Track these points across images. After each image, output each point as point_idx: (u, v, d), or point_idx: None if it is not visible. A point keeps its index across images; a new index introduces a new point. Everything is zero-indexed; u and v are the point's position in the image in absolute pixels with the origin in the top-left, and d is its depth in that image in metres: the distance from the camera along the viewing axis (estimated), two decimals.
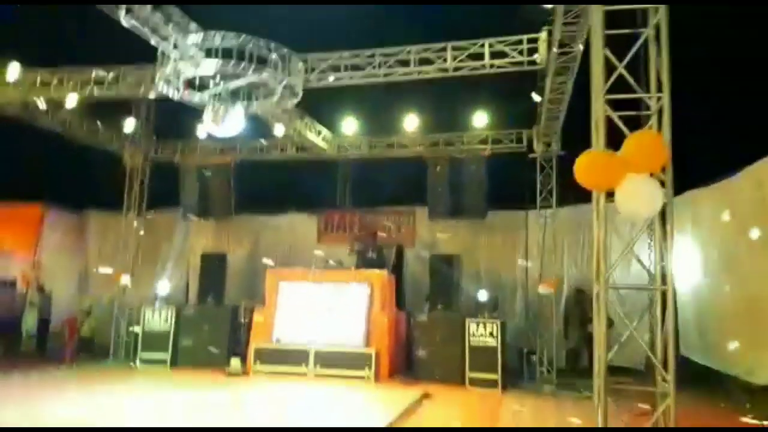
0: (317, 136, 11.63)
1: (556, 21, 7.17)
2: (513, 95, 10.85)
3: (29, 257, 14.88)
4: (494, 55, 8.00)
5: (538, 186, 11.55)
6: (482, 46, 8.03)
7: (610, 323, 13.77)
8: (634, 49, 3.54)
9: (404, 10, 9.64)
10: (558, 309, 12.15)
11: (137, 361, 12.08)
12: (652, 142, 3.29)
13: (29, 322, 14.08)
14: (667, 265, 3.57)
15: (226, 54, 7.78)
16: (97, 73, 9.29)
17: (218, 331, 12.32)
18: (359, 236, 13.44)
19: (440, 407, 8.98)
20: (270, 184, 14.80)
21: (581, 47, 7.41)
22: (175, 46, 7.68)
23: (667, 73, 3.50)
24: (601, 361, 3.83)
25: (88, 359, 12.52)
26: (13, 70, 9.60)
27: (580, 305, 13.34)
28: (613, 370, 13.43)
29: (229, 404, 8.85)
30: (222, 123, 8.44)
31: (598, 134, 3.57)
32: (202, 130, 8.67)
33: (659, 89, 3.56)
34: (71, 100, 10.40)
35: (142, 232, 13.07)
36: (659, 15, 3.59)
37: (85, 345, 12.91)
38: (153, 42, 7.22)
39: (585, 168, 3.46)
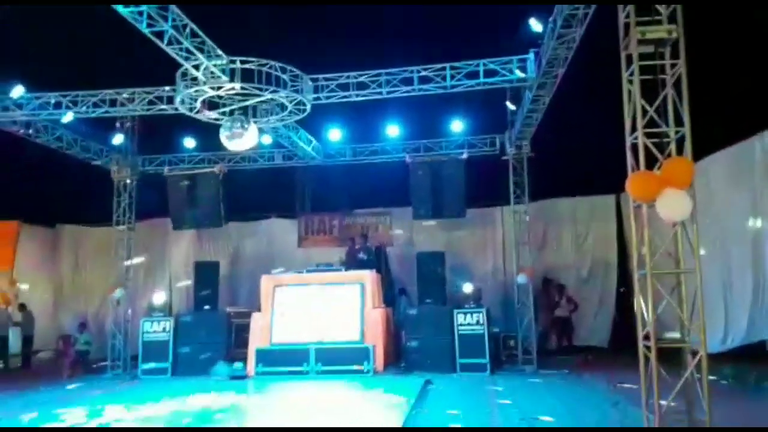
0: (308, 145, 12.31)
1: (545, 43, 8.23)
2: (486, 104, 11.94)
3: (6, 274, 14.79)
4: (487, 73, 9.02)
5: (511, 185, 12.64)
6: (477, 65, 9.02)
7: (575, 307, 15.20)
8: (660, 98, 4.58)
9: (404, 35, 10.51)
10: (530, 297, 13.27)
11: (138, 372, 12.39)
12: (684, 166, 4.35)
13: (12, 340, 14.07)
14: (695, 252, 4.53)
15: (245, 75, 8.40)
16: (109, 93, 9.66)
17: (216, 336, 12.77)
18: (350, 240, 14.18)
19: (445, 390, 9.89)
20: (248, 191, 15.28)
21: (562, 70, 8.54)
22: (197, 68, 8.24)
23: (687, 112, 4.56)
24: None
25: (85, 373, 12.73)
26: (17, 91, 9.84)
27: (547, 292, 14.68)
28: (580, 349, 14.84)
29: (254, 406, 9.43)
30: (238, 138, 9.05)
31: (639, 159, 4.59)
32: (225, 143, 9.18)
33: (678, 122, 4.61)
34: (67, 117, 10.68)
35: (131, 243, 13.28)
36: (679, 68, 4.64)
37: (80, 359, 13.07)
38: (186, 65, 7.77)
39: (635, 185, 4.47)
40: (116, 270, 13.14)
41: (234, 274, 15.73)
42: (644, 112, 4.57)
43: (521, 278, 12.54)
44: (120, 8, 6.07)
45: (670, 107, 4.65)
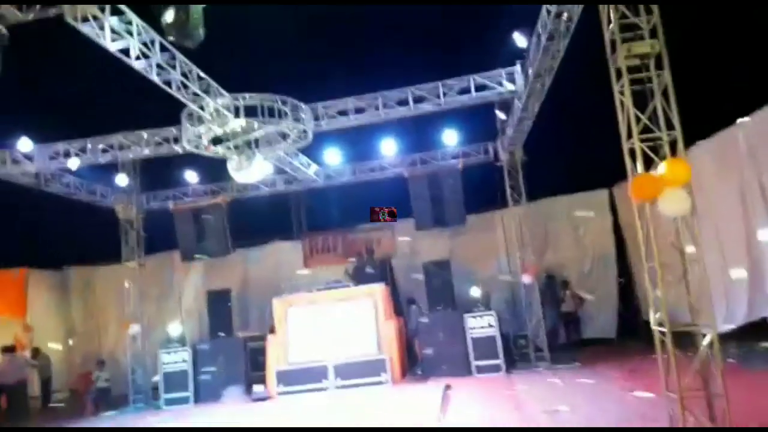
0: (308, 168, 12.68)
1: (531, 55, 8.67)
2: (477, 114, 12.37)
3: (20, 321, 14.99)
4: (478, 87, 9.45)
5: (508, 189, 13.05)
6: (468, 81, 9.45)
7: (581, 301, 15.54)
8: (650, 106, 5.01)
9: (399, 57, 10.97)
10: (536, 295, 13.63)
11: (161, 402, 12.64)
12: (681, 166, 4.76)
13: (33, 384, 14.24)
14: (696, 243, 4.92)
15: (249, 111, 8.78)
16: (116, 137, 10.00)
17: (234, 362, 13.05)
18: (357, 255, 14.53)
19: (466, 393, 10.23)
20: (250, 218, 15.60)
21: (550, 79, 8.98)
22: (203, 108, 8.60)
23: (676, 118, 4.99)
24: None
25: (108, 408, 12.96)
26: (25, 145, 10.13)
27: (551, 289, 15.03)
28: (586, 342, 15.17)
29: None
30: (246, 170, 9.41)
31: (637, 163, 5.01)
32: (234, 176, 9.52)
33: (670, 127, 5.04)
34: (73, 163, 11.02)
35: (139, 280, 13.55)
36: (665, 78, 5.08)
37: (102, 396, 13.29)
38: (193, 106, 8.13)
39: (637, 188, 4.88)
40: (128, 306, 13.40)
41: (243, 299, 15.98)
42: (637, 119, 4.98)
43: (526, 278, 12.90)
44: (134, 62, 6.43)
45: (660, 114, 5.07)
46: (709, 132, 9.05)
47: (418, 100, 9.57)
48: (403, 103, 9.59)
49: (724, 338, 8.88)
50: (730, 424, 4.85)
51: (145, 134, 10.17)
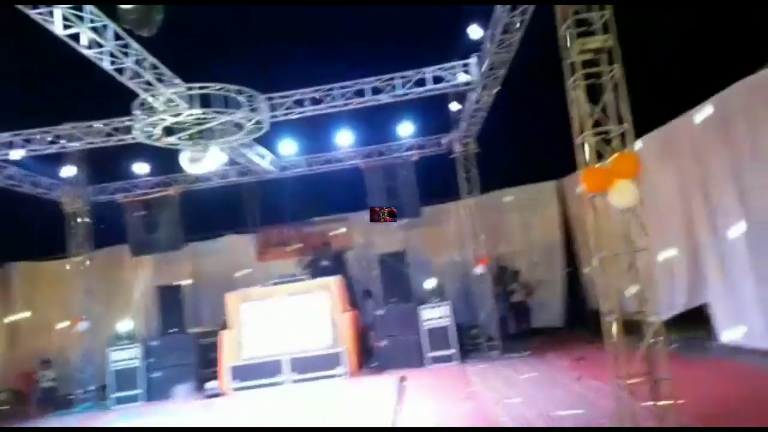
0: (263, 159, 12.53)
1: (487, 48, 8.81)
2: (431, 106, 12.48)
3: None
4: (434, 80, 9.55)
5: (461, 181, 13.24)
6: (424, 73, 9.53)
7: (530, 291, 15.93)
8: (602, 101, 5.19)
9: (356, 49, 10.93)
10: (488, 286, 13.89)
11: (111, 401, 12.31)
12: (630, 159, 4.95)
13: None
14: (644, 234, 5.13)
15: (203, 100, 8.62)
16: (64, 128, 9.63)
17: (186, 358, 12.81)
18: (312, 248, 14.46)
19: (421, 383, 10.34)
20: (202, 211, 15.28)
21: (504, 72, 9.16)
22: (155, 97, 8.39)
23: (627, 111, 5.17)
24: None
25: (55, 409, 12.53)
26: None
27: (502, 279, 15.37)
28: (536, 331, 15.55)
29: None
30: (200, 162, 9.23)
31: (590, 155, 5.18)
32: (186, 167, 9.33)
33: (620, 121, 5.22)
34: (17, 154, 10.58)
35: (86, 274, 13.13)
36: (616, 72, 5.26)
37: (48, 396, 12.84)
38: (145, 96, 7.91)
39: (588, 180, 5.04)
40: (75, 302, 12.96)
41: (195, 294, 15.68)
42: (589, 113, 5.15)
43: (478, 269, 13.14)
44: (84, 50, 6.20)
45: (611, 108, 5.25)
46: (659, 125, 9.40)
47: (375, 91, 9.60)
48: (359, 94, 9.59)
49: (666, 325, 9.32)
50: (675, 405, 5.09)
51: (95, 124, 9.82)
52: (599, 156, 5.23)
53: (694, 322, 9.73)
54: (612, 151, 5.22)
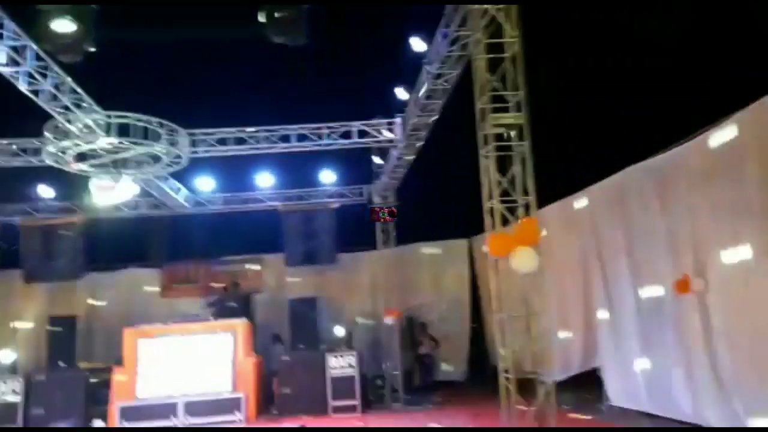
0: (177, 194, 12.28)
1: (412, 110, 9.24)
2: (354, 157, 12.82)
3: None
4: (360, 134, 9.86)
5: (378, 232, 13.53)
6: (350, 126, 9.82)
7: (437, 344, 16.26)
8: (509, 172, 5.60)
9: (284, 94, 11.08)
10: (396, 337, 14.03)
11: None
12: (532, 228, 5.33)
13: None
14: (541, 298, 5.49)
15: (122, 130, 8.45)
16: None
17: (73, 396, 11.99)
18: (220, 288, 14.10)
19: None
20: (105, 242, 14.66)
21: (425, 134, 9.62)
22: (70, 122, 8.14)
23: (532, 185, 5.60)
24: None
25: None
26: None
27: (410, 331, 15.56)
28: (439, 384, 15.80)
29: None
30: (110, 191, 8.97)
31: (496, 221, 5.53)
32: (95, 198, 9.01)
33: (526, 193, 5.64)
34: None
35: None
36: (525, 147, 5.72)
37: None
38: (60, 119, 7.65)
39: (494, 244, 5.37)
40: None
41: (89, 327, 14.82)
42: (498, 182, 5.54)
43: (388, 320, 13.28)
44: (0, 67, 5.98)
45: (518, 179, 5.66)
46: (562, 196, 10.06)
47: (301, 138, 9.77)
48: (285, 139, 9.72)
49: (561, 386, 9.76)
50: None
51: (2, 142, 9.33)
52: (505, 221, 5.59)
53: (589, 384, 10.25)
54: (516, 219, 5.60)
